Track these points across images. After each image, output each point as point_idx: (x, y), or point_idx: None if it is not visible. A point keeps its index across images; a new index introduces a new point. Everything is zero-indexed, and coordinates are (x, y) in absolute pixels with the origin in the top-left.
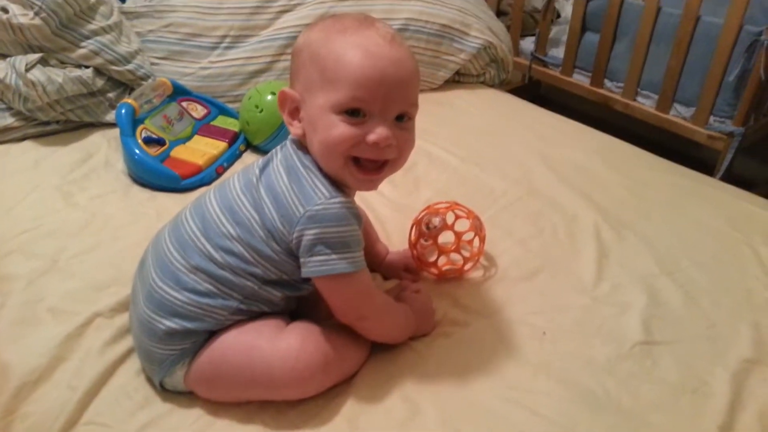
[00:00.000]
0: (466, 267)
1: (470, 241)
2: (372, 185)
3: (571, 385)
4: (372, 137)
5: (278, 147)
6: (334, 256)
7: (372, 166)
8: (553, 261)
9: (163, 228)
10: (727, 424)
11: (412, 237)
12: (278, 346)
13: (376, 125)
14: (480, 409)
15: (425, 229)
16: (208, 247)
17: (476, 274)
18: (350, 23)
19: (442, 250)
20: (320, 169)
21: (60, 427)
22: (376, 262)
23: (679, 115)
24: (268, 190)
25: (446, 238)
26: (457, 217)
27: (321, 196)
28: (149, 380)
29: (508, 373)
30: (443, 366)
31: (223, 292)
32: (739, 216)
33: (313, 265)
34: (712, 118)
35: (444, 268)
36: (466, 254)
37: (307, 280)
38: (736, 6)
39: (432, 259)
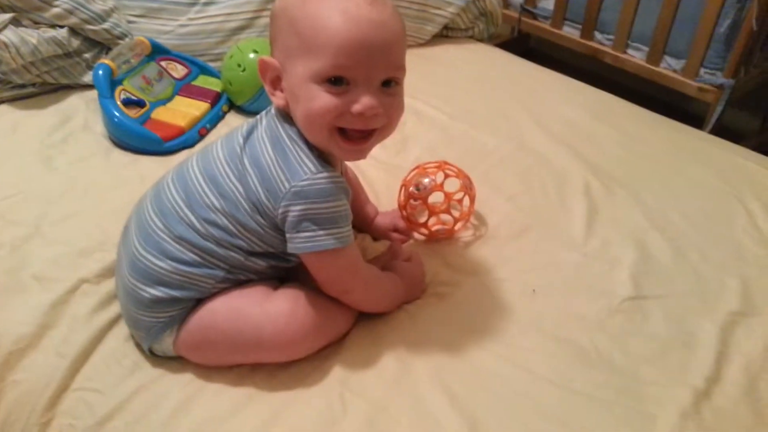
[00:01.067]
0: (456, 227)
1: (460, 201)
2: (360, 155)
3: (562, 341)
4: (357, 107)
5: (263, 113)
6: (320, 233)
7: (358, 135)
8: (542, 218)
9: (145, 195)
10: (715, 375)
11: (402, 198)
12: (267, 310)
13: (361, 94)
14: (472, 367)
15: (414, 190)
16: (192, 217)
17: (466, 233)
18: None
19: (432, 211)
20: (306, 141)
21: (51, 394)
22: (366, 223)
23: (669, 68)
24: (253, 162)
25: (436, 198)
26: (447, 176)
27: (307, 171)
28: (138, 346)
29: (499, 331)
30: (434, 326)
31: (208, 262)
32: (730, 170)
33: (299, 242)
34: (702, 70)
35: (434, 229)
36: (456, 214)
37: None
38: None
39: (422, 219)
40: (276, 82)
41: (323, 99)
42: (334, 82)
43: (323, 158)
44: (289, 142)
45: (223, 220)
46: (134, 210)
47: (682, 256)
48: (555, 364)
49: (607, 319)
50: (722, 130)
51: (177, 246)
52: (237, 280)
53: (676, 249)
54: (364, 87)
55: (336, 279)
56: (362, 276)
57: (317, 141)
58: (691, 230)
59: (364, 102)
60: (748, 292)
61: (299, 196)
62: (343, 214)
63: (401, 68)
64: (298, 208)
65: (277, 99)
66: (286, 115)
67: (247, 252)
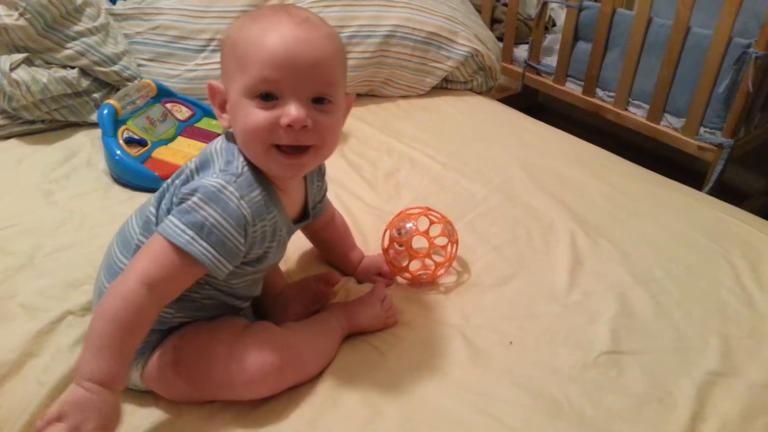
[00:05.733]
0: (439, 272)
1: (444, 246)
2: (297, 170)
3: (534, 392)
4: (284, 119)
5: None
6: (180, 225)
7: (292, 150)
8: (526, 268)
9: (115, 233)
10: None
11: (385, 242)
12: (234, 349)
13: (288, 105)
14: (441, 414)
15: (396, 234)
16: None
17: (449, 279)
18: (265, 12)
19: (413, 255)
20: (241, 157)
21: (26, 421)
22: (351, 267)
23: (669, 126)
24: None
25: (419, 243)
26: (431, 222)
27: (217, 171)
28: None
29: (471, 379)
30: (408, 370)
31: None
32: (717, 228)
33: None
34: (702, 129)
35: (416, 273)
36: (439, 259)
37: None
38: (725, 18)
39: (404, 264)
40: (223, 106)
41: (255, 114)
42: (264, 97)
43: (260, 180)
44: (217, 153)
45: None
46: (107, 249)
47: (664, 313)
48: (524, 415)
49: (582, 372)
50: (726, 189)
51: None
52: (199, 310)
53: (658, 305)
54: (293, 100)
55: (147, 267)
56: (148, 289)
57: (256, 158)
58: (675, 287)
59: (290, 113)
60: (729, 352)
61: (193, 187)
62: (220, 232)
63: (332, 85)
64: (186, 193)
65: (223, 120)
66: (231, 137)
67: (197, 283)
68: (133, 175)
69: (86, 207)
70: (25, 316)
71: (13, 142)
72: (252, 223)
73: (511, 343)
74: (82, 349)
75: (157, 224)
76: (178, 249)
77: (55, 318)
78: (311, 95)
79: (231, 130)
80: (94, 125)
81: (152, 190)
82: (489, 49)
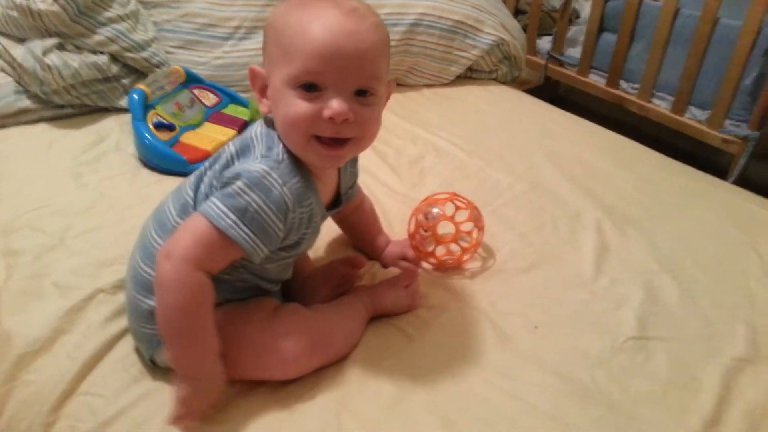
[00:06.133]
0: (464, 257)
1: (469, 232)
2: (336, 161)
3: (562, 376)
4: (327, 112)
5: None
6: (223, 207)
7: (332, 142)
8: (552, 255)
9: (149, 216)
10: (714, 420)
11: (411, 227)
12: (267, 329)
13: (332, 99)
14: (468, 396)
15: (423, 219)
16: None
17: (474, 264)
18: None
19: (439, 240)
20: (279, 143)
21: (58, 396)
22: (377, 252)
23: (694, 118)
24: (214, 161)
25: (445, 228)
26: (457, 207)
27: (259, 156)
28: (143, 357)
29: (498, 362)
30: (435, 353)
31: None
32: (746, 218)
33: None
34: (727, 122)
35: (442, 258)
36: (464, 245)
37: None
38: (755, 9)
39: (430, 249)
40: (263, 90)
41: (297, 105)
42: (308, 88)
43: (301, 169)
44: (257, 139)
45: None
46: (140, 230)
47: (690, 300)
48: (552, 398)
49: (609, 357)
50: (747, 183)
51: None
52: (232, 292)
53: (685, 292)
54: (335, 93)
55: (190, 248)
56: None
57: (296, 148)
58: (702, 275)
59: (333, 106)
60: (756, 340)
61: (236, 172)
62: (262, 218)
63: (376, 78)
64: (229, 177)
65: (263, 106)
66: (271, 123)
67: (231, 266)
68: (162, 158)
69: (115, 190)
70: (58, 293)
71: (42, 126)
72: (292, 209)
73: (536, 327)
74: (171, 352)
75: (195, 207)
76: (219, 231)
77: (87, 296)
78: (355, 88)
79: (271, 115)
80: (122, 110)
81: (181, 174)
82: (515, 38)
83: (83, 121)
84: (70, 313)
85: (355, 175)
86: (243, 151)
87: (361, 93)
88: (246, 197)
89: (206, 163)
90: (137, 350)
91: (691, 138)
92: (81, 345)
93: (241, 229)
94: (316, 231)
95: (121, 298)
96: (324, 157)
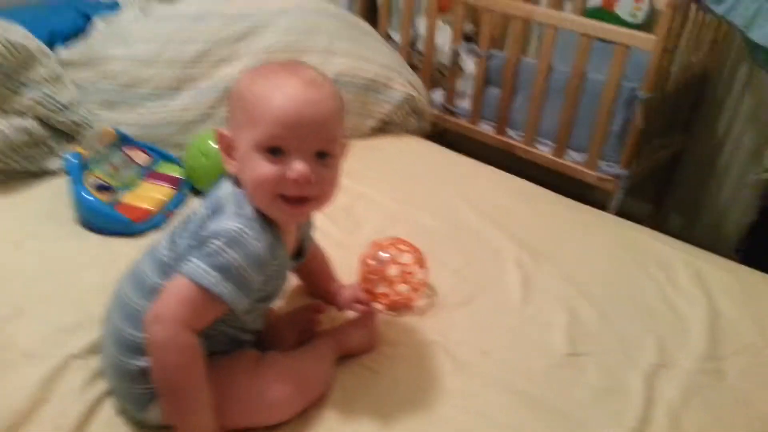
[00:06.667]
0: (412, 296)
1: (414, 273)
2: (300, 217)
3: (514, 392)
4: (291, 174)
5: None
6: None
7: (296, 200)
8: (485, 288)
9: (122, 278)
10: (645, 417)
11: (361, 272)
12: (251, 379)
13: (295, 162)
14: (439, 419)
15: (372, 263)
16: None
17: (421, 302)
18: (274, 68)
19: (389, 282)
20: (248, 204)
21: None
22: (330, 296)
23: (573, 160)
24: (188, 220)
25: (393, 271)
26: (401, 251)
27: (233, 218)
28: (132, 418)
29: (458, 386)
30: (403, 385)
31: None
32: (631, 244)
33: (186, 266)
34: (602, 163)
35: (393, 299)
36: (412, 285)
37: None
38: (615, 65)
39: (381, 290)
40: (229, 151)
41: (263, 167)
42: (273, 152)
43: (266, 225)
44: (227, 199)
45: None
46: (113, 294)
47: (605, 319)
48: (509, 411)
49: (550, 372)
50: (623, 215)
51: None
52: (216, 345)
53: (600, 312)
54: (298, 156)
55: (178, 310)
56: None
57: (263, 205)
58: (610, 296)
59: (296, 169)
60: (663, 346)
61: (213, 231)
62: (241, 274)
63: (333, 141)
64: (206, 236)
65: (231, 166)
66: (238, 182)
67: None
68: (106, 220)
69: (61, 253)
70: (29, 363)
71: None
72: (269, 263)
73: (484, 352)
74: (168, 408)
75: (171, 266)
76: (204, 289)
77: (59, 363)
78: (315, 150)
79: (235, 175)
80: (50, 173)
81: (125, 234)
82: (419, 93)
83: (12, 186)
84: (46, 381)
85: (310, 226)
86: (216, 211)
87: (321, 155)
88: (225, 255)
89: (175, 225)
90: (124, 412)
91: (572, 178)
92: (65, 412)
93: (223, 285)
94: (284, 281)
95: (93, 363)
96: (289, 214)
